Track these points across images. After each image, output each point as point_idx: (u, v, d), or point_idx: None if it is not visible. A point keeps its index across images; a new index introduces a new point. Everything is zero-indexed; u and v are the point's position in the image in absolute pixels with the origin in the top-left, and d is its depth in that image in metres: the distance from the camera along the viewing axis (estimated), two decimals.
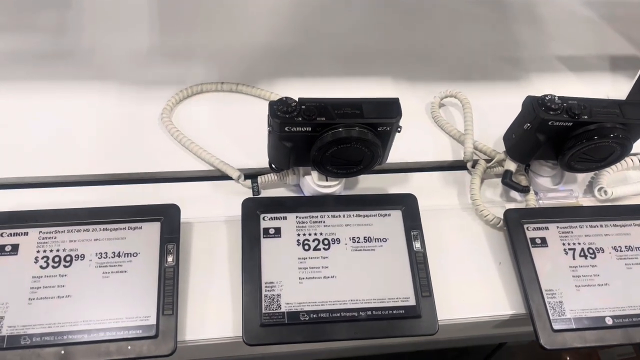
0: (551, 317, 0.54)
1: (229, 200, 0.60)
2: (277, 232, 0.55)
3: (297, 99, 0.52)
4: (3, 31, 0.68)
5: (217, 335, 0.51)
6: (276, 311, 0.51)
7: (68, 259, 0.51)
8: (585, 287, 0.56)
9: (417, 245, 0.56)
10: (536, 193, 0.64)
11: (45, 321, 0.48)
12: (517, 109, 0.60)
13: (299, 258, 0.54)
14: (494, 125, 0.70)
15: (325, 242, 0.56)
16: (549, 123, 0.55)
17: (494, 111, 0.72)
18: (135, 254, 0.52)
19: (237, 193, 0.61)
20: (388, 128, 0.54)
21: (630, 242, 0.59)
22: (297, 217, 0.57)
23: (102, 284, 0.50)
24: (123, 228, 0.53)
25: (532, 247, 0.57)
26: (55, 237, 0.52)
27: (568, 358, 1.00)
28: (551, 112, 0.55)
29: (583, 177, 0.68)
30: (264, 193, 0.62)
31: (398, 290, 0.54)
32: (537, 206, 0.63)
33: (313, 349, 0.64)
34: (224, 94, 0.71)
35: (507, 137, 0.63)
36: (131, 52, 0.71)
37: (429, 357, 0.94)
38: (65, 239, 0.52)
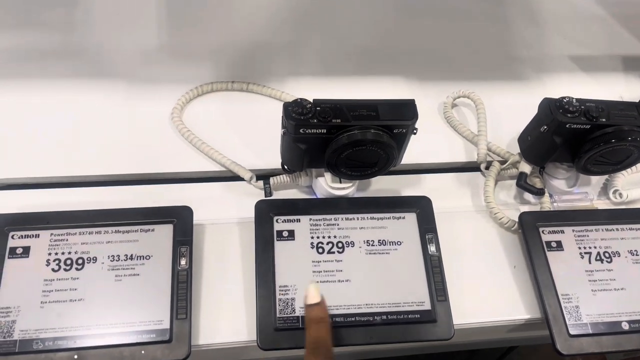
0: (568, 322, 0.53)
1: (241, 201, 0.60)
2: (291, 234, 0.55)
3: (311, 100, 0.52)
4: (10, 29, 0.67)
5: (231, 339, 0.51)
6: (290, 315, 0.51)
7: (80, 261, 0.51)
8: (601, 291, 0.56)
9: (432, 248, 0.55)
10: (551, 195, 0.63)
11: (58, 325, 0.47)
12: (528, 109, 0.60)
13: (313, 261, 0.54)
14: (507, 126, 0.70)
15: (340, 245, 0.55)
16: (567, 126, 0.55)
17: (506, 111, 0.71)
18: (147, 257, 0.51)
19: (249, 194, 0.61)
20: (404, 130, 0.53)
21: None
22: (310, 219, 0.56)
23: (115, 288, 0.50)
24: (135, 230, 0.53)
25: (548, 250, 0.57)
26: (67, 240, 0.51)
27: (578, 357, 0.99)
28: (569, 115, 0.55)
29: (597, 180, 0.67)
30: (276, 194, 0.61)
31: (413, 295, 0.53)
32: (551, 209, 0.62)
33: None
34: (235, 93, 0.70)
35: (522, 139, 0.62)
36: (140, 50, 0.70)
37: (437, 359, 0.93)
38: (77, 241, 0.51)
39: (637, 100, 0.58)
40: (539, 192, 0.61)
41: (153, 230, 0.53)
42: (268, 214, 0.55)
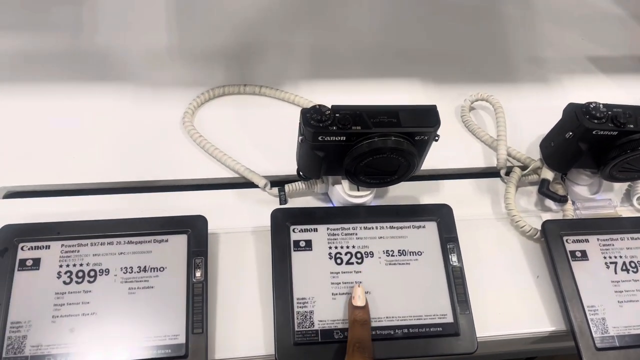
0: (594, 335, 0.51)
1: (255, 209, 0.58)
2: (308, 244, 0.53)
3: (330, 106, 0.50)
4: (17, 31, 0.65)
5: (248, 354, 0.49)
6: (309, 329, 0.49)
7: (92, 273, 0.49)
8: (628, 302, 0.54)
9: (453, 259, 0.54)
10: (573, 202, 0.61)
11: (70, 340, 0.46)
12: (549, 113, 0.58)
13: (331, 272, 0.52)
14: (527, 130, 0.68)
15: (358, 255, 0.53)
16: (594, 132, 0.53)
17: (525, 115, 0.69)
18: (162, 269, 0.50)
19: (263, 202, 0.59)
20: (426, 137, 0.51)
21: None
22: (328, 228, 0.54)
23: (129, 301, 0.48)
24: (149, 241, 0.51)
25: (573, 260, 0.55)
26: (79, 251, 0.50)
27: None
28: (595, 121, 0.53)
29: (619, 186, 0.65)
30: (291, 202, 0.60)
31: (435, 307, 0.51)
32: (574, 216, 0.60)
33: None
34: (247, 97, 0.68)
35: (544, 145, 0.60)
36: (151, 53, 0.68)
37: None
38: (89, 252, 0.50)
39: None
40: (562, 200, 0.60)
41: (167, 240, 0.51)
42: (285, 224, 0.54)
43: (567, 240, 0.56)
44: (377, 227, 0.55)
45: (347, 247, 0.54)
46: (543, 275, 0.57)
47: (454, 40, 0.73)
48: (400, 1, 0.71)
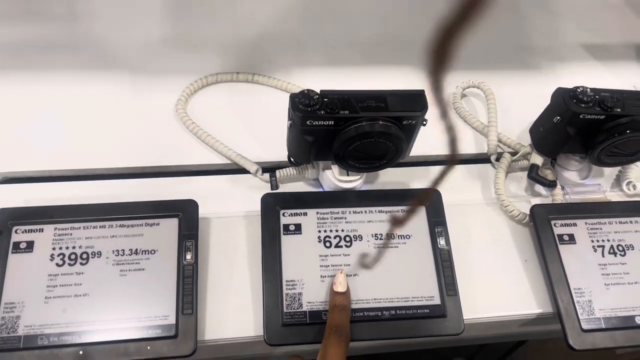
0: (580, 317, 0.52)
1: (246, 194, 0.59)
2: (298, 228, 0.54)
3: (318, 91, 0.50)
4: (13, 20, 0.66)
5: (237, 335, 0.50)
6: (298, 310, 0.50)
7: (84, 256, 0.50)
8: (614, 285, 0.55)
9: (441, 242, 0.54)
10: (562, 187, 0.62)
11: (63, 320, 0.47)
12: (540, 100, 0.58)
13: (320, 255, 0.53)
14: (517, 117, 0.68)
15: (347, 238, 0.54)
16: (581, 116, 0.53)
17: (516, 102, 0.70)
18: (153, 251, 0.51)
19: (255, 187, 0.60)
20: (413, 122, 0.52)
21: None
22: (317, 213, 0.55)
23: (120, 282, 0.49)
24: (140, 224, 0.52)
25: (560, 244, 0.56)
26: (71, 234, 0.51)
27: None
28: (583, 105, 0.53)
29: (610, 171, 0.66)
30: (282, 187, 0.60)
31: (422, 289, 0.52)
32: (563, 201, 0.61)
33: None
34: (240, 84, 0.69)
35: (533, 130, 0.61)
36: (144, 41, 0.69)
37: (447, 352, 0.93)
38: (81, 235, 0.51)
39: None
40: (551, 184, 0.60)
41: (158, 224, 0.52)
42: (274, 208, 0.54)
43: (555, 224, 0.57)
44: (366, 211, 0.56)
45: (337, 230, 0.54)
46: (531, 258, 0.57)
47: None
48: None
